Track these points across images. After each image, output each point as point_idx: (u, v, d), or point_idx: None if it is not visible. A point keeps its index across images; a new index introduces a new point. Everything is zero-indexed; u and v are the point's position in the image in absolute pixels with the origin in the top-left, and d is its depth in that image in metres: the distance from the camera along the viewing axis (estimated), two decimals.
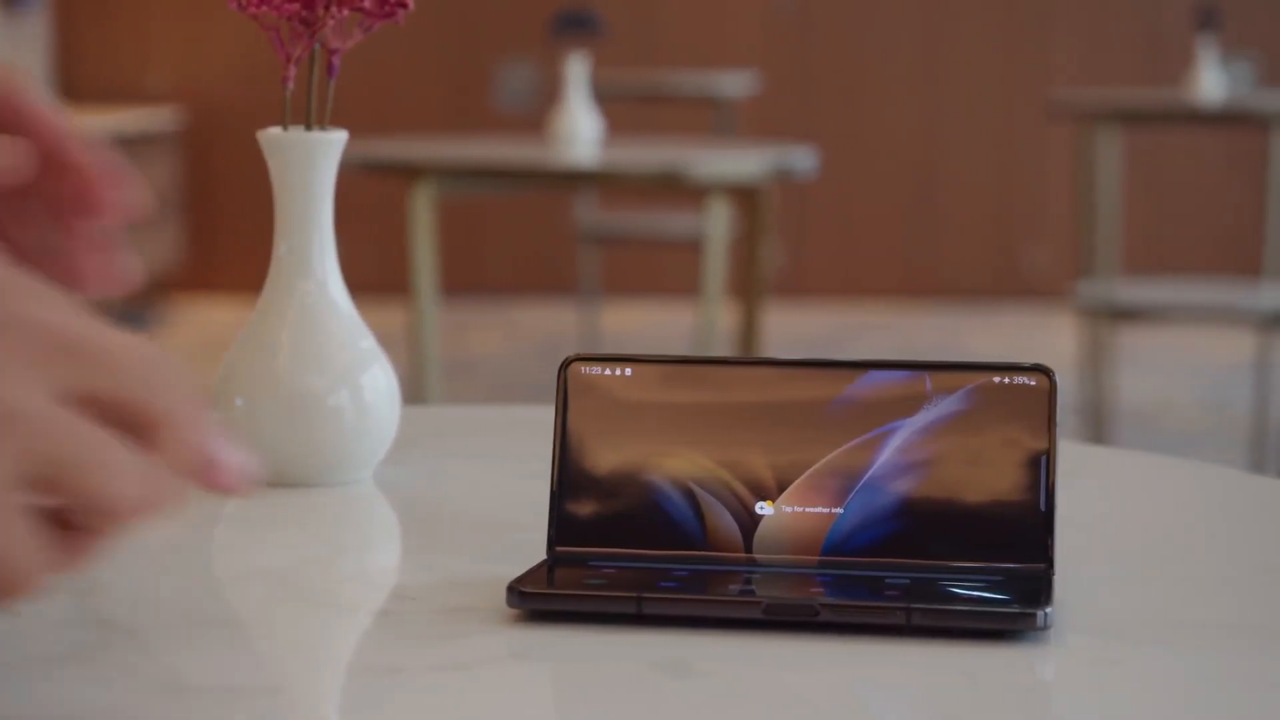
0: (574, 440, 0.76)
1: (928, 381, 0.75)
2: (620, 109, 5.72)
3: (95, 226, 0.71)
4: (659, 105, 6.41)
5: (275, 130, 0.94)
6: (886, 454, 0.75)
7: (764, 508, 0.75)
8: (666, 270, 6.86)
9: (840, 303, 7.02)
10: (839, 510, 0.75)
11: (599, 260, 5.92)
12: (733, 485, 0.75)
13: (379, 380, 0.95)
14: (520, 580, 0.72)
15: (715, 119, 5.70)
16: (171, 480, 0.59)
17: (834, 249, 7.08)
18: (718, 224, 3.97)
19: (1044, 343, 6.22)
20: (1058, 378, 0.75)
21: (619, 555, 0.75)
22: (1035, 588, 0.72)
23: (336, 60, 0.92)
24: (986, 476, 0.75)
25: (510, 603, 0.71)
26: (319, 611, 0.74)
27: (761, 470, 0.75)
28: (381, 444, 0.95)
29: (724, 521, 0.75)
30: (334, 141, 0.94)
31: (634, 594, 0.70)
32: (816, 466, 0.75)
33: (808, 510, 0.75)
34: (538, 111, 6.14)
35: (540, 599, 0.71)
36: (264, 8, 0.90)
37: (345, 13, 0.90)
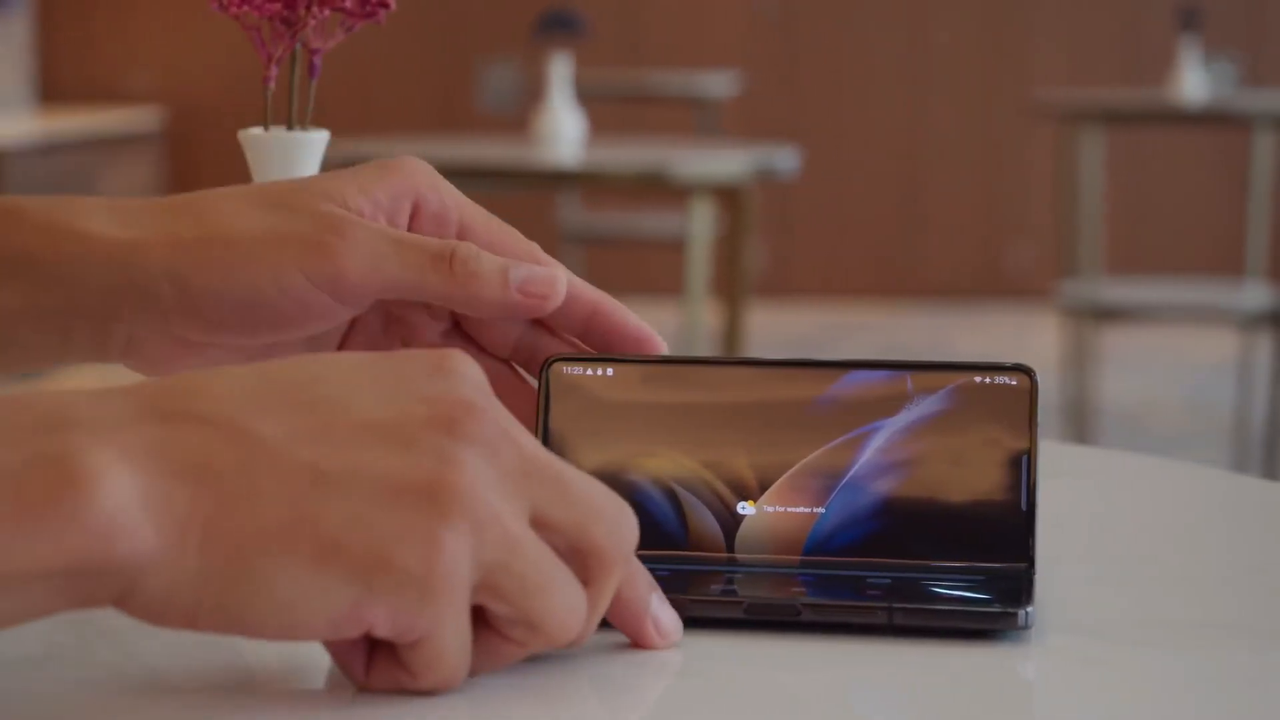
0: (556, 440, 0.76)
1: (909, 381, 0.75)
2: (604, 109, 5.73)
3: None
4: (642, 105, 6.41)
5: (256, 130, 0.94)
6: (868, 454, 0.75)
7: (745, 508, 0.75)
8: (650, 270, 6.86)
9: (824, 302, 7.02)
10: (820, 510, 0.75)
11: (582, 260, 5.92)
12: (714, 485, 0.75)
13: None
14: None
15: (698, 119, 5.71)
16: (595, 619, 0.63)
17: (817, 249, 7.09)
18: (701, 224, 3.97)
19: (1027, 342, 6.23)
20: (1039, 377, 0.75)
21: None
22: (1016, 587, 0.72)
23: (318, 60, 0.92)
24: (968, 476, 0.75)
25: None
26: None
27: (743, 470, 0.75)
28: None
29: (706, 521, 0.75)
30: (315, 141, 0.93)
31: None
32: (798, 466, 0.75)
33: (789, 510, 0.75)
34: (521, 111, 6.15)
35: None
36: (245, 8, 0.90)
37: (327, 13, 0.90)
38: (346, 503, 0.58)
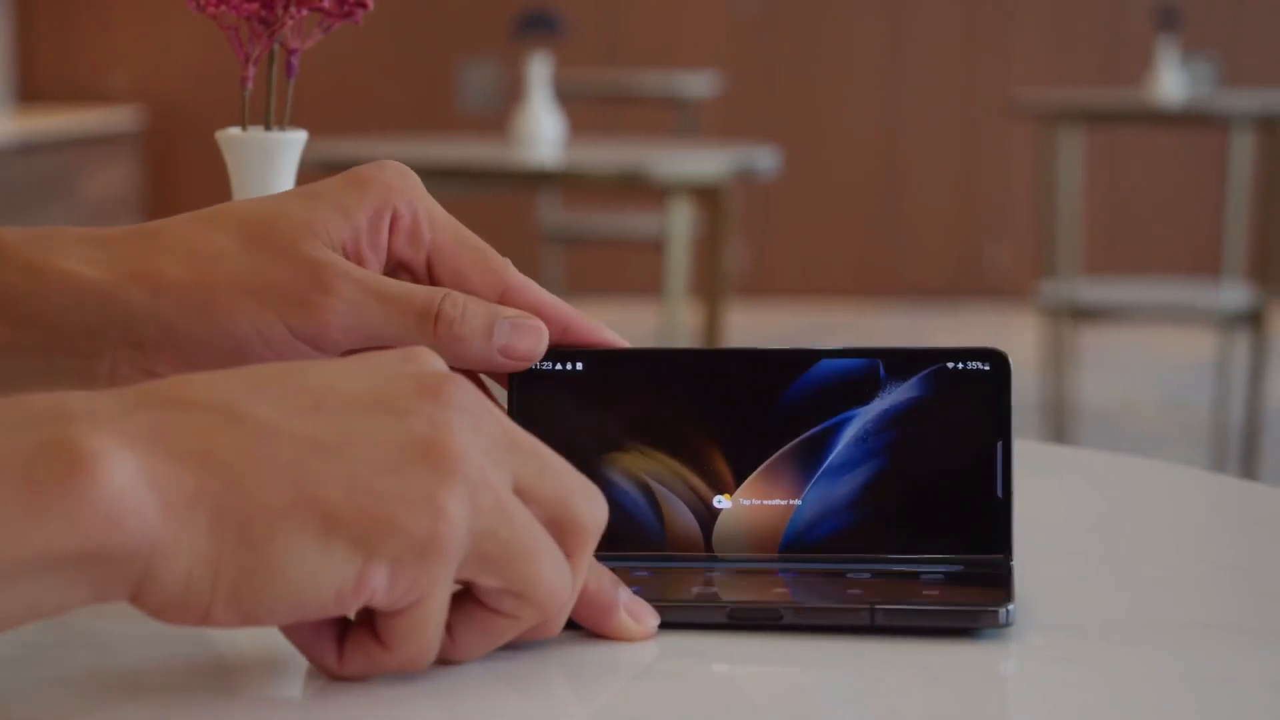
0: None
1: (881, 369, 0.75)
2: (583, 109, 5.72)
3: None
4: (622, 105, 6.41)
5: (234, 130, 0.93)
6: (842, 443, 0.75)
7: (722, 501, 0.75)
8: (630, 270, 6.86)
9: (803, 302, 7.03)
10: (797, 502, 0.75)
11: (562, 260, 5.92)
12: (689, 479, 0.75)
13: None
14: None
15: (678, 119, 5.71)
16: (576, 593, 0.65)
17: (797, 249, 7.09)
18: (680, 224, 3.97)
19: (1006, 342, 6.23)
20: (1011, 362, 0.75)
21: None
22: (996, 579, 0.72)
23: (295, 60, 0.92)
24: (942, 463, 0.75)
25: None
26: None
27: (718, 463, 0.75)
28: None
29: (683, 517, 0.75)
30: (293, 142, 0.93)
31: None
32: (773, 458, 0.75)
33: (765, 503, 0.75)
34: (500, 112, 6.14)
35: None
36: (223, 8, 0.90)
37: (304, 12, 0.90)
38: (347, 471, 0.60)
